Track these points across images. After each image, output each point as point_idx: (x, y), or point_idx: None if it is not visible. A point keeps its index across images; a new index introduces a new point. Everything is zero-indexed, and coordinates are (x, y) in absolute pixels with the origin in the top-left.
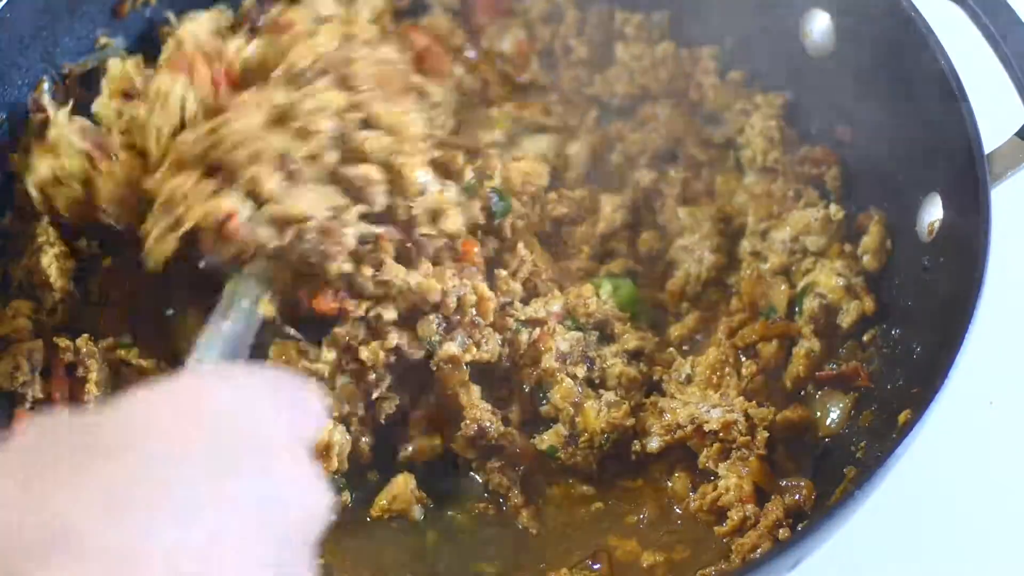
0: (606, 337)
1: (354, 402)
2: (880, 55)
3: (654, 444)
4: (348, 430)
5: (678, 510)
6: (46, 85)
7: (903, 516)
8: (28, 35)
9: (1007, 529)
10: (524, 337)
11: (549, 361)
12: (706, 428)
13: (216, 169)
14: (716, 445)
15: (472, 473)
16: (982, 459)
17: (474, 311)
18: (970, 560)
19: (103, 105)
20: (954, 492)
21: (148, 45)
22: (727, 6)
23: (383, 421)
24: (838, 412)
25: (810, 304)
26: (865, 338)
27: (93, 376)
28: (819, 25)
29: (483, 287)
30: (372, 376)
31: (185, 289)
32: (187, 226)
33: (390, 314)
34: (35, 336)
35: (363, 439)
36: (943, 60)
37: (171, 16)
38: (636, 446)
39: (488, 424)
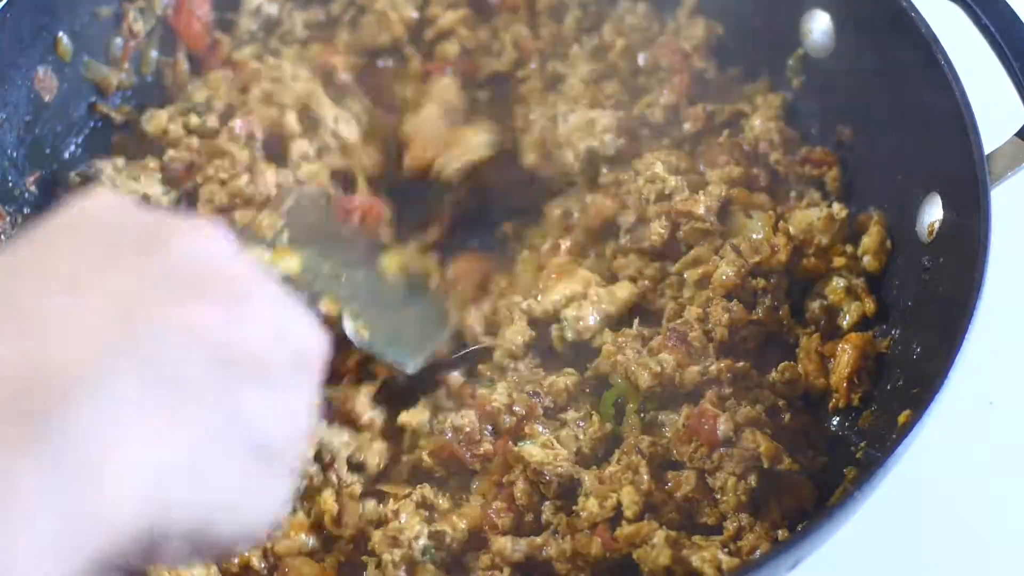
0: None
1: None
2: (880, 55)
3: None
4: None
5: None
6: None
7: (903, 516)
8: (28, 35)
9: (1007, 529)
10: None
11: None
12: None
13: None
14: (717, 454)
15: None
16: (982, 459)
17: None
18: (970, 560)
19: None
20: (954, 492)
21: None
22: (727, 6)
23: None
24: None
25: (811, 305)
26: None
27: None
28: (819, 25)
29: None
30: None
31: None
32: None
33: None
34: None
35: None
36: (943, 60)
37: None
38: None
39: None
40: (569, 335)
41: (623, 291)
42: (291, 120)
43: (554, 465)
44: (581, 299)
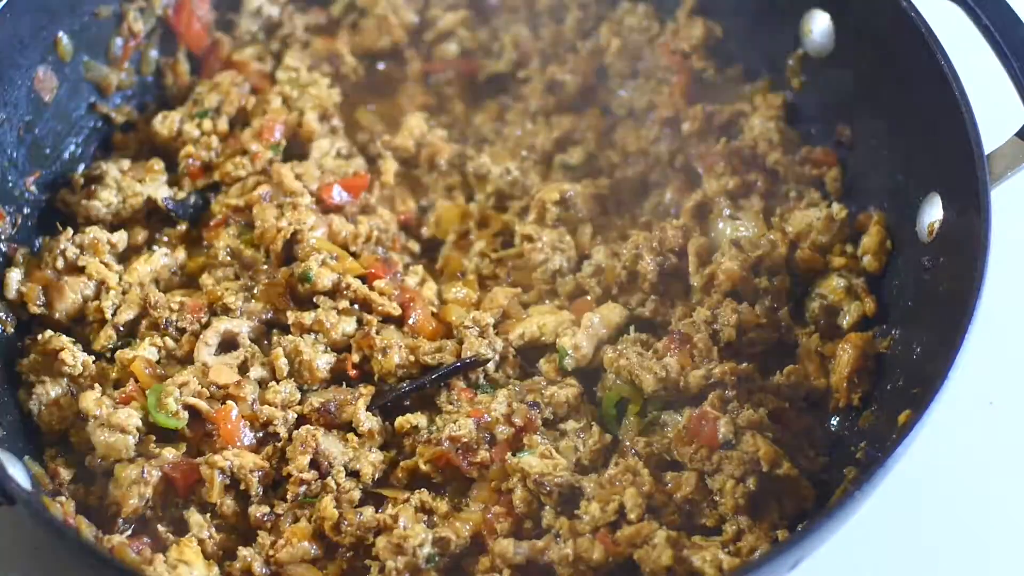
0: None
1: None
2: (880, 55)
3: None
4: None
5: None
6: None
7: (903, 516)
8: (28, 35)
9: (1007, 529)
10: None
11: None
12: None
13: None
14: (717, 456)
15: None
16: (982, 459)
17: None
18: (970, 560)
19: None
20: (954, 492)
21: None
22: (727, 6)
23: None
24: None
25: (811, 305)
26: None
27: None
28: (819, 25)
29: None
30: None
31: None
32: None
33: None
34: None
35: None
36: (943, 60)
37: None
38: None
39: None
40: (570, 364)
41: (615, 314)
42: (311, 120)
43: (553, 475)
44: (573, 325)
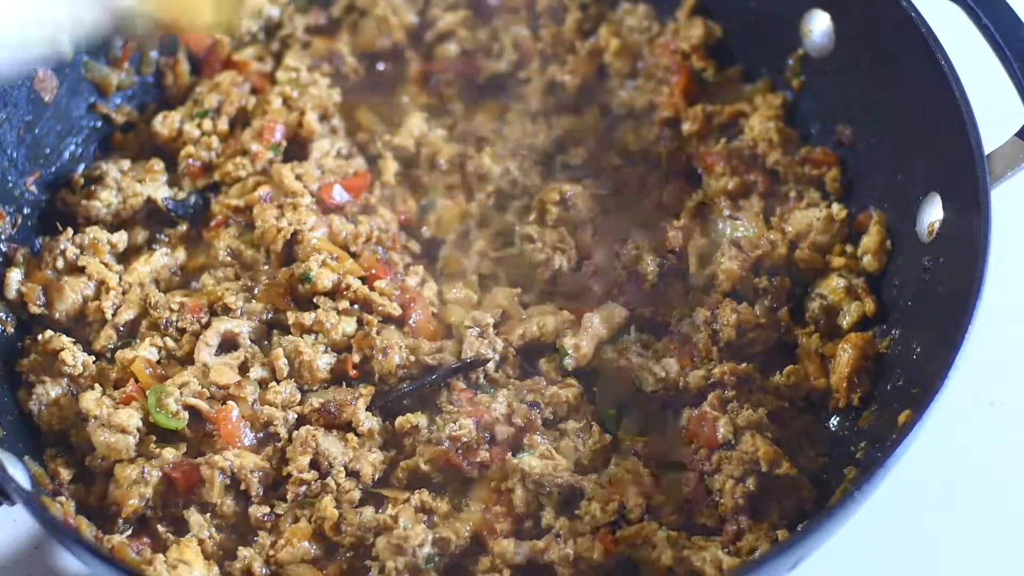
0: None
1: None
2: (880, 55)
3: None
4: None
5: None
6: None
7: (903, 516)
8: None
9: (1007, 529)
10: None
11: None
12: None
13: None
14: (716, 456)
15: None
16: (982, 459)
17: None
18: (970, 560)
19: None
20: (954, 492)
21: None
22: (727, 6)
23: None
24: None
25: (811, 305)
26: None
27: None
28: (819, 25)
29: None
30: None
31: None
32: None
33: None
34: None
35: None
36: (943, 60)
37: None
38: None
39: None
40: (570, 364)
41: (615, 314)
42: (312, 120)
43: (553, 476)
44: (574, 325)
